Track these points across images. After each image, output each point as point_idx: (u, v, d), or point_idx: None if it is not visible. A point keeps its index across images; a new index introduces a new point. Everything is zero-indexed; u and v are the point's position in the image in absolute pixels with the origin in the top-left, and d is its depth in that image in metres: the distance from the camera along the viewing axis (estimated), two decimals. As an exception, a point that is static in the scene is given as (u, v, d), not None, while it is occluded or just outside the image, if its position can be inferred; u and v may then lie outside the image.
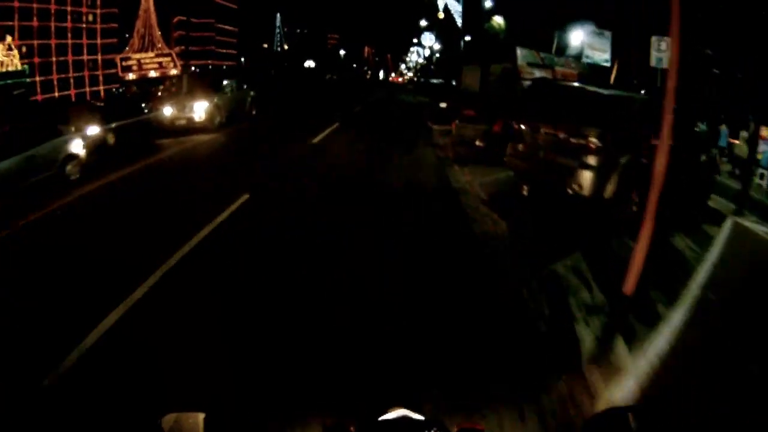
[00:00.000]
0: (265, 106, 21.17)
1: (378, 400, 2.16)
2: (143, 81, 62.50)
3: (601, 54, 20.64)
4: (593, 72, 18.69)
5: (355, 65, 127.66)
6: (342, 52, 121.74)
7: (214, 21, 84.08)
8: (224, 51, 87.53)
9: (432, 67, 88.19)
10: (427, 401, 2.84)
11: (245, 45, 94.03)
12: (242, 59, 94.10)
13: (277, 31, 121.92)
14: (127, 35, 71.07)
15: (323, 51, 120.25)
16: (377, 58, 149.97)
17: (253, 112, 19.20)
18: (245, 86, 19.27)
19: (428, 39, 53.27)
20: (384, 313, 4.41)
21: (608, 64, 21.25)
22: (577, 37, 22.11)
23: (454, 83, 25.29)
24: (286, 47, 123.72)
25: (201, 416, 1.14)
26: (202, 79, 20.09)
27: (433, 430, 1.17)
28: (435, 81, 50.66)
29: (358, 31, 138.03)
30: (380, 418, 1.24)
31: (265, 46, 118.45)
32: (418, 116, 22.81)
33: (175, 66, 68.50)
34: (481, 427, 1.27)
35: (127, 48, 70.09)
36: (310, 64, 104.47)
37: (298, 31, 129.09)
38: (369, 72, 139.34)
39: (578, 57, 20.37)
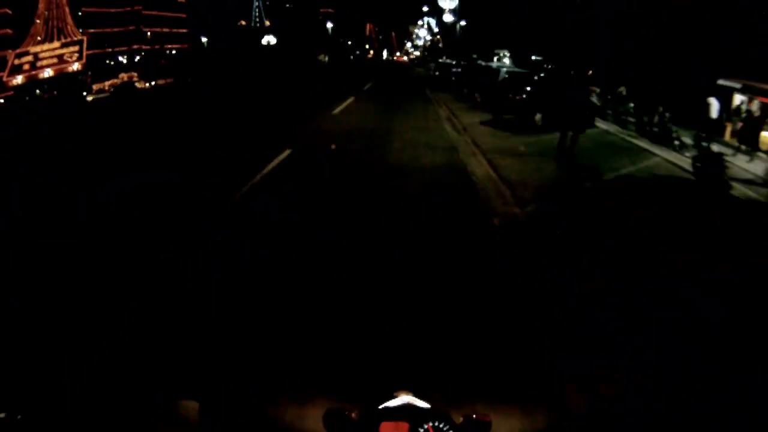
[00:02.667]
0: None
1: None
2: (29, 85, 43.83)
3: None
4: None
5: (350, 42, 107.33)
6: (329, 26, 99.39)
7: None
8: (164, 30, 67.01)
9: (440, 45, 70.78)
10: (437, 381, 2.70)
11: (206, 21, 73.42)
12: (203, 40, 73.78)
13: (256, 3, 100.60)
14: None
15: (314, 28, 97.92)
16: (381, 37, 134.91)
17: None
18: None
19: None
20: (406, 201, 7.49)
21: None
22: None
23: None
24: (267, 23, 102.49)
25: (195, 405, 1.21)
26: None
27: (438, 419, 1.18)
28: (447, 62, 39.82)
29: (357, 4, 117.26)
30: (383, 405, 1.24)
31: (242, 23, 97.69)
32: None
33: (80, 58, 49.31)
34: (488, 418, 1.25)
35: (28, 39, 50.85)
36: (270, 40, 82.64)
37: (288, 5, 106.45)
38: (371, 51, 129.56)
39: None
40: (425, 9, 63.19)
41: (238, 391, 2.85)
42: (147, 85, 47.14)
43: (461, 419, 1.23)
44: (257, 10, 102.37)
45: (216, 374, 3.38)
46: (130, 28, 59.14)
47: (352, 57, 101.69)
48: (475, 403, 1.30)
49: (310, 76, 40.07)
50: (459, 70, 31.09)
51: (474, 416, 1.24)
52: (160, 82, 44.70)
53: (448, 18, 40.01)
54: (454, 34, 43.49)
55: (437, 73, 39.00)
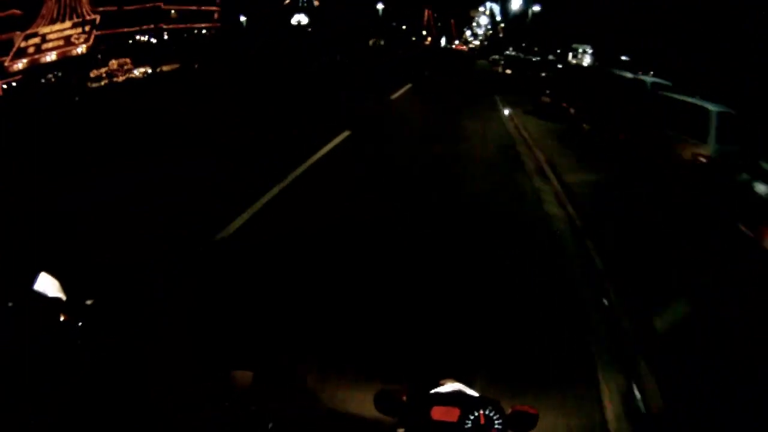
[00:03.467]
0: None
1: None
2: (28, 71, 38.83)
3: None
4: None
5: (404, 27, 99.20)
6: (380, 6, 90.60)
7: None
8: (191, 8, 60.71)
9: (500, 35, 61.40)
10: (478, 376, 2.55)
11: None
12: (242, 19, 67.74)
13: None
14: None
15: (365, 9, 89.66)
16: (439, 24, 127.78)
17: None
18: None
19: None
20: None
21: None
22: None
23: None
24: (317, 4, 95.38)
25: (249, 374, 1.28)
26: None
27: (489, 408, 1.20)
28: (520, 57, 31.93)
29: None
30: (433, 390, 1.26)
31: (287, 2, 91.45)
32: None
33: (87, 40, 43.83)
34: (534, 410, 1.28)
35: (39, 19, 46.00)
36: (301, 20, 74.51)
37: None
38: (429, 38, 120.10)
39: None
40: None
41: (291, 363, 2.71)
42: (138, 73, 40.93)
43: (509, 410, 1.24)
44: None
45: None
46: (148, 5, 53.53)
47: (408, 43, 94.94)
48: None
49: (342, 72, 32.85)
50: (545, 73, 21.98)
51: (521, 409, 1.25)
52: (165, 68, 38.11)
53: (516, 3, 31.35)
54: (523, 22, 34.61)
55: (508, 71, 29.59)
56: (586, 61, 30.38)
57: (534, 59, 30.36)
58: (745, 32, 15.14)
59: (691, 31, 21.29)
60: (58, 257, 3.11)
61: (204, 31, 62.95)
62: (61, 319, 1.33)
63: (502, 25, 62.48)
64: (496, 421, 1.19)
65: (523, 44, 43.64)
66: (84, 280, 1.76)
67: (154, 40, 55.33)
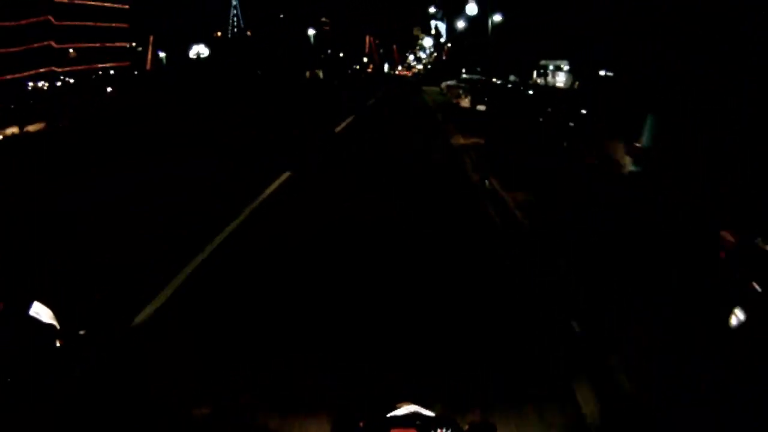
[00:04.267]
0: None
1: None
2: None
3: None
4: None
5: (342, 54, 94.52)
6: (311, 32, 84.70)
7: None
8: (95, 46, 52.32)
9: (444, 58, 57.32)
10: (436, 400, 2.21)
11: (164, 33, 59.35)
12: (160, 56, 59.79)
13: (233, 12, 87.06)
14: None
15: (300, 39, 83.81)
16: (381, 50, 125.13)
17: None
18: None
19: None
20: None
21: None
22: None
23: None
24: (249, 34, 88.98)
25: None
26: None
27: (445, 426, 1.20)
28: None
29: (354, 16, 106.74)
30: (390, 414, 1.26)
31: (218, 34, 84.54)
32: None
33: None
34: (492, 424, 1.30)
35: None
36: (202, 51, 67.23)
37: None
38: (371, 66, 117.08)
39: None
40: (432, 10, 48.55)
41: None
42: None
43: (467, 426, 1.25)
44: (234, 19, 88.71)
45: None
46: (35, 45, 44.37)
47: (350, 71, 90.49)
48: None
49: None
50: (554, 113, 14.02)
51: (478, 423, 1.27)
52: (30, 128, 26.99)
53: (470, 14, 25.58)
54: (477, 39, 29.08)
55: (480, 107, 20.02)
56: (560, 80, 24.97)
57: (511, 83, 24.45)
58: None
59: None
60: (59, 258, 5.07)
61: (111, 72, 53.29)
62: (57, 344, 1.46)
63: (449, 45, 57.78)
64: None
65: (478, 66, 37.72)
66: (74, 312, 1.84)
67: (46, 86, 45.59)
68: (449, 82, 30.39)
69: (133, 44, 58.03)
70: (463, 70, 37.56)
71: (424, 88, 39.53)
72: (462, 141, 13.79)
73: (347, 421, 1.24)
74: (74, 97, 31.58)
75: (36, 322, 1.47)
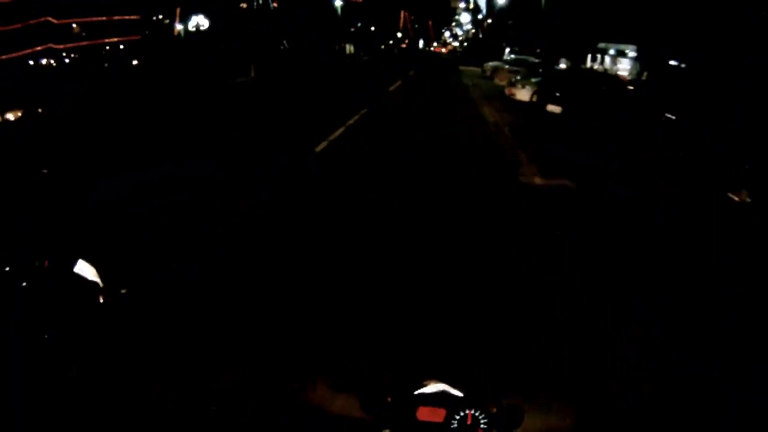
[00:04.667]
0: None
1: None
2: None
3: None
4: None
5: (373, 29, 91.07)
6: (338, 4, 79.48)
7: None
8: (102, 20, 49.91)
9: (480, 36, 53.17)
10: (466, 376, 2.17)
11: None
12: (178, 28, 57.67)
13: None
14: None
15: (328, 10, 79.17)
16: (417, 26, 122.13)
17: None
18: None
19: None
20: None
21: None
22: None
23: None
24: (275, 5, 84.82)
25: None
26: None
27: (474, 407, 1.21)
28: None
29: None
30: (418, 391, 1.26)
31: (244, 6, 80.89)
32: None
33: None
34: (521, 406, 1.27)
35: None
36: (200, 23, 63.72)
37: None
38: (406, 41, 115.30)
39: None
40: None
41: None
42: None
43: (494, 409, 1.24)
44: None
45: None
46: (31, 22, 42.21)
47: (383, 46, 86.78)
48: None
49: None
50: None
51: (507, 405, 1.26)
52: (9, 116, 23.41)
53: None
54: (527, 13, 25.54)
55: (554, 109, 14.17)
56: (623, 68, 21.15)
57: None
58: None
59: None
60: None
61: (121, 47, 50.44)
62: (101, 301, 1.49)
63: (489, 21, 53.37)
64: (482, 420, 1.19)
65: (516, 46, 33.86)
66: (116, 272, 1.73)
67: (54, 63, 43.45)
68: (493, 63, 27.01)
69: (156, 16, 55.76)
70: (507, 49, 33.75)
71: (462, 68, 35.89)
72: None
73: (375, 395, 1.21)
74: (76, 77, 27.87)
75: (80, 278, 1.48)
